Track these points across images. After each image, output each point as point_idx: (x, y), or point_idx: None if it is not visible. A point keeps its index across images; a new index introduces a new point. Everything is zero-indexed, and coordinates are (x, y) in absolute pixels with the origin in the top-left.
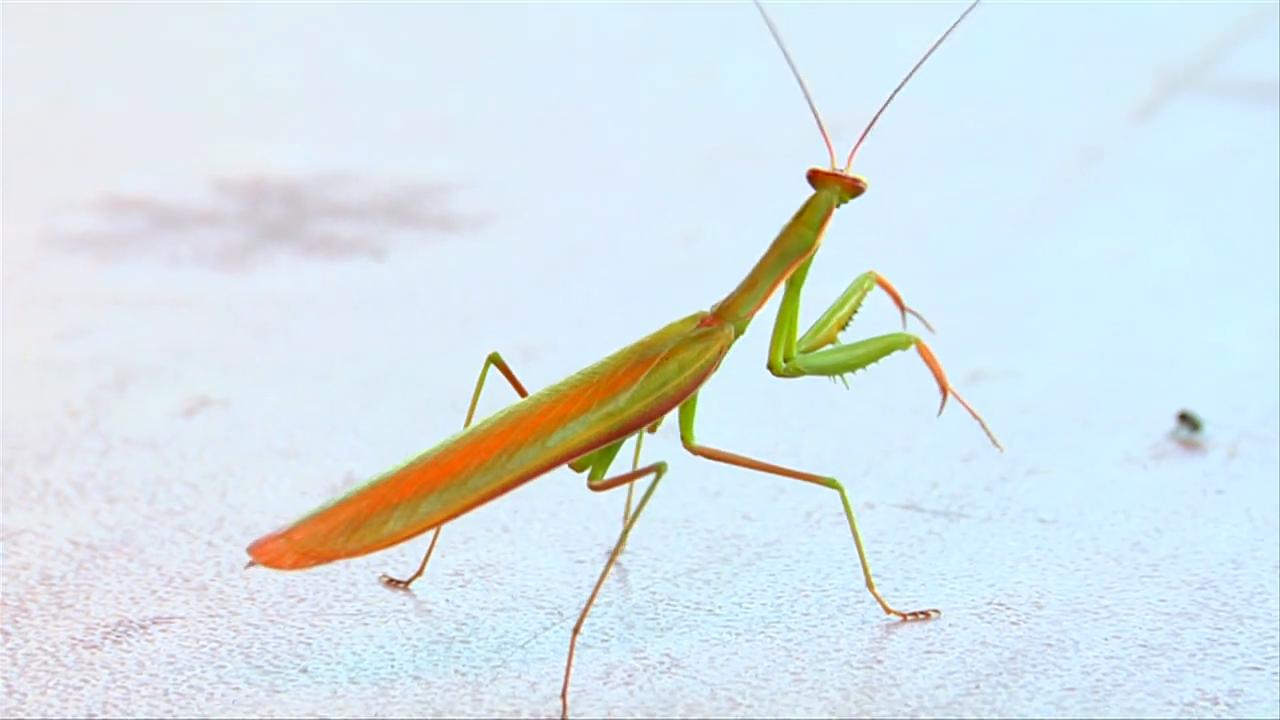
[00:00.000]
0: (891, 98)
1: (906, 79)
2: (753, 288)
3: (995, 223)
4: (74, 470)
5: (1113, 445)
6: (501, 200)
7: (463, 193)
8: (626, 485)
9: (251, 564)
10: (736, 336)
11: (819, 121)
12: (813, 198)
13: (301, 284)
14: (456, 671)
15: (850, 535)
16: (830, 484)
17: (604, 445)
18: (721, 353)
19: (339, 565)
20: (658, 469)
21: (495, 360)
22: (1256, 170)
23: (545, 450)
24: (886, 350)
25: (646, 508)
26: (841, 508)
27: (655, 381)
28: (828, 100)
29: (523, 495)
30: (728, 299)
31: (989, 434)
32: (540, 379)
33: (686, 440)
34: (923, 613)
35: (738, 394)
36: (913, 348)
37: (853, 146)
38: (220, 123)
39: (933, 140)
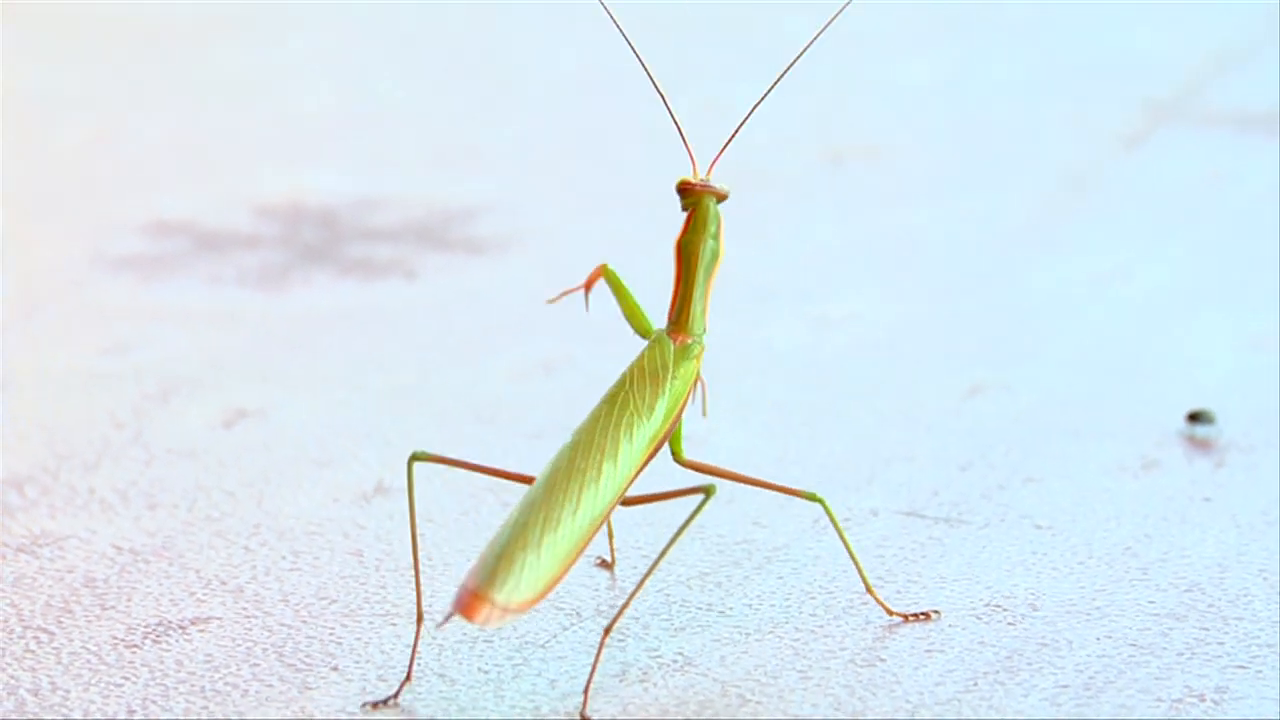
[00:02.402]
0: (754, 109)
1: (770, 88)
2: (698, 301)
3: (990, 243)
4: (118, 478)
5: (1104, 454)
6: (525, 224)
7: (489, 217)
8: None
9: (452, 618)
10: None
11: (682, 135)
12: (705, 209)
13: (336, 303)
14: (480, 669)
15: (841, 546)
16: (812, 498)
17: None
18: (700, 363)
19: (369, 568)
20: (707, 490)
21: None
22: (1239, 194)
23: (619, 473)
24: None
25: (691, 524)
26: (830, 521)
27: (672, 398)
28: (829, 129)
29: None
30: (681, 318)
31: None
32: (560, 392)
33: (677, 455)
34: (923, 614)
35: (747, 406)
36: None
37: (713, 158)
38: (260, 150)
39: (931, 165)
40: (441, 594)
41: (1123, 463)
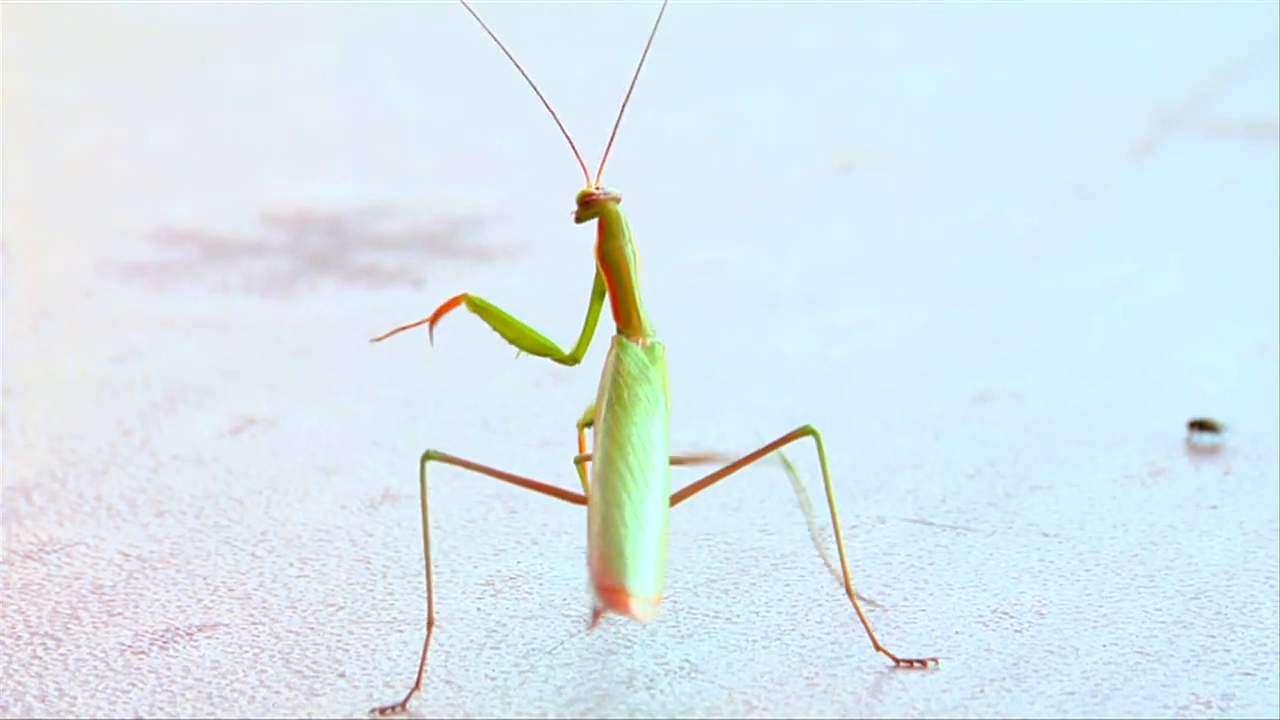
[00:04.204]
0: (619, 118)
1: (628, 95)
2: (641, 303)
3: (998, 252)
4: (125, 485)
5: (1112, 462)
6: (532, 232)
7: (496, 225)
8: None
9: (600, 615)
10: None
11: (573, 146)
12: (617, 216)
13: (344, 310)
14: (486, 676)
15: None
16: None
17: None
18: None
19: (376, 575)
20: (810, 432)
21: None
22: (1246, 203)
23: (665, 464)
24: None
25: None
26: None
27: (666, 394)
28: (838, 138)
29: (551, 509)
30: (632, 320)
31: None
32: (569, 400)
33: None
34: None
35: (756, 413)
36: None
37: (600, 164)
38: (268, 158)
39: (939, 174)
40: (448, 600)
41: (1130, 470)
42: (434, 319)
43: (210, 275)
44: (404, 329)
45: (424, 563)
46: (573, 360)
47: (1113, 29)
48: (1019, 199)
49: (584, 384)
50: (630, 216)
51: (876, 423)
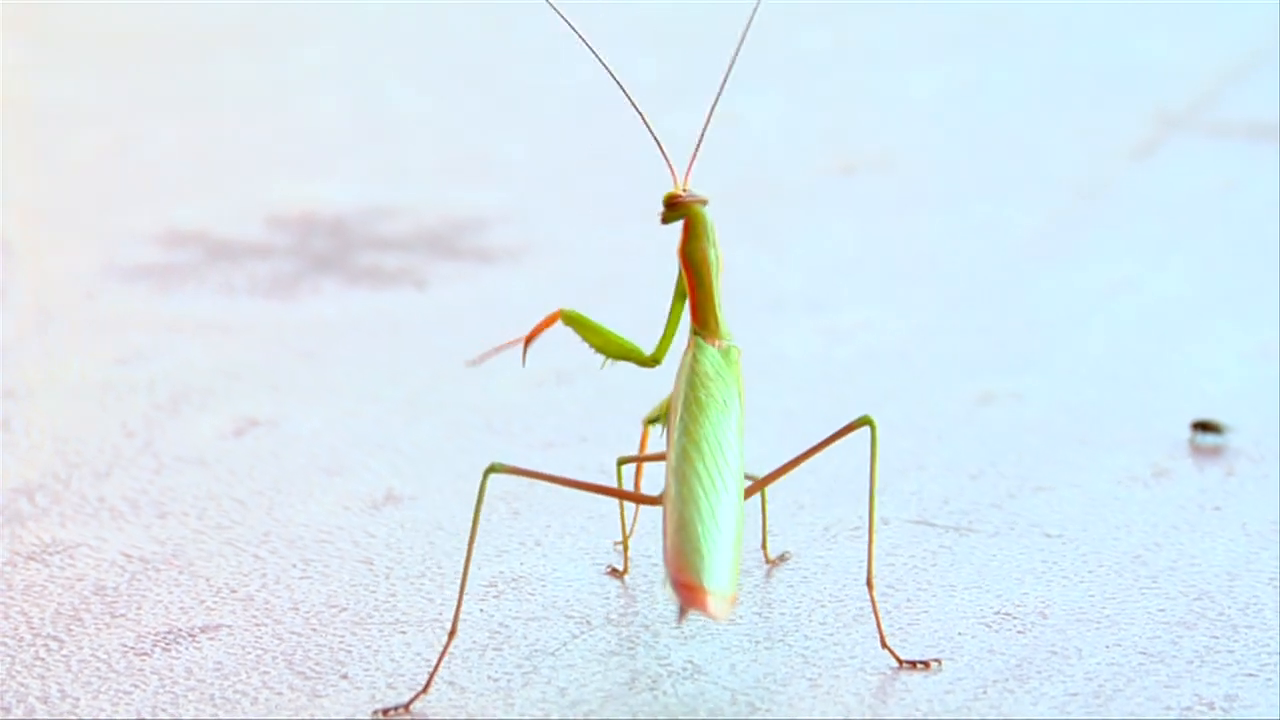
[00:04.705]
0: (708, 121)
1: (717, 98)
2: (720, 306)
3: (1001, 253)
4: (128, 487)
5: (1114, 463)
6: (536, 234)
7: (500, 227)
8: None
9: (687, 613)
10: None
11: (663, 151)
12: (702, 218)
13: (347, 312)
14: (489, 678)
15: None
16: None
17: None
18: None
19: (379, 577)
20: (867, 422)
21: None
22: (1248, 204)
23: (740, 464)
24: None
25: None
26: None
27: (740, 395)
28: (841, 140)
29: (554, 511)
30: (710, 323)
31: None
32: (572, 401)
33: None
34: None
35: (760, 414)
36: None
37: (687, 168)
38: (271, 160)
39: (941, 175)
40: (451, 601)
41: (1133, 471)
42: (530, 338)
43: (214, 277)
44: (502, 349)
45: (461, 574)
46: (654, 362)
47: (1115, 30)
48: (1021, 200)
49: (586, 385)
50: (626, 217)
51: (880, 424)
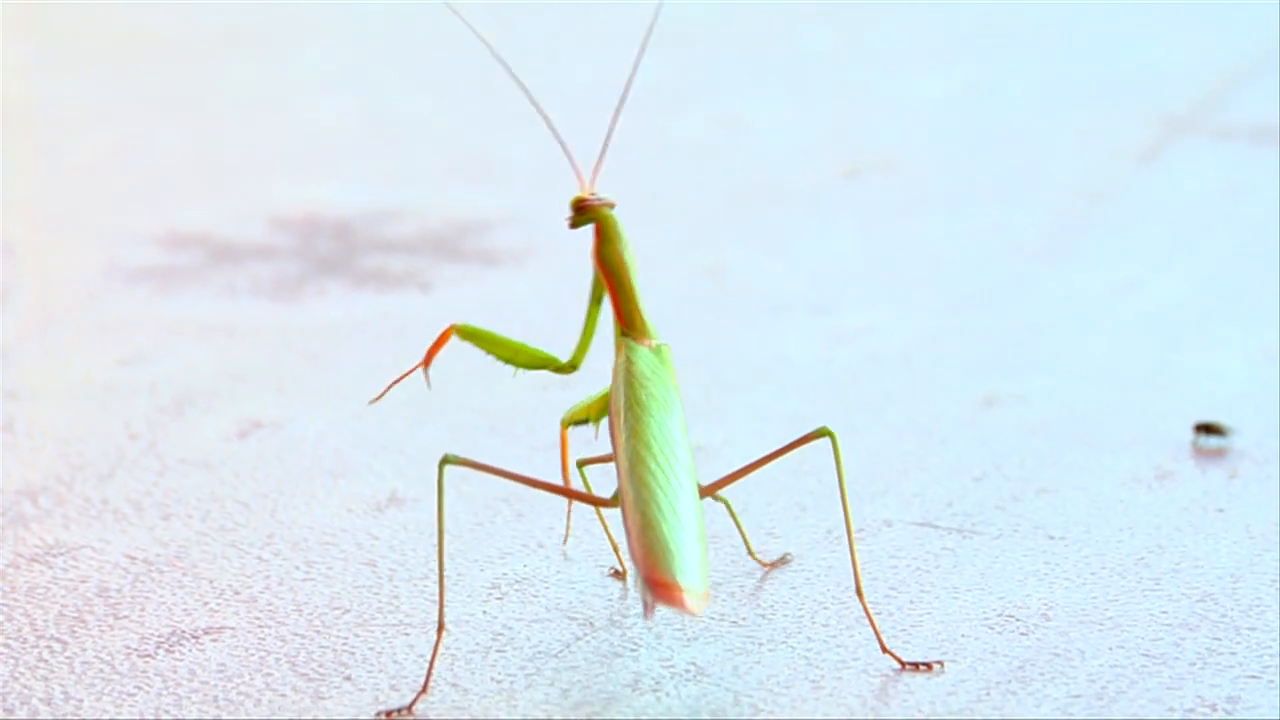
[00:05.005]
0: (614, 124)
1: (622, 100)
2: (642, 305)
3: (1005, 256)
4: (132, 489)
5: (1118, 465)
6: (540, 236)
7: (504, 229)
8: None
9: (654, 608)
10: None
11: (566, 151)
12: (613, 221)
13: (351, 314)
14: (492, 679)
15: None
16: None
17: None
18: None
19: (382, 578)
20: (826, 433)
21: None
22: (1253, 207)
23: (690, 462)
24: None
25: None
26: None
27: (678, 394)
28: (845, 142)
29: (557, 514)
30: (636, 323)
31: None
32: (573, 402)
33: None
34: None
35: (762, 418)
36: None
37: (594, 169)
38: (275, 163)
39: (946, 178)
40: (454, 603)
41: (1136, 474)
42: (427, 361)
43: (217, 279)
44: (398, 381)
45: (436, 568)
46: (571, 367)
47: (1119, 33)
48: (1026, 203)
49: (590, 388)
50: (626, 221)
51: (883, 426)
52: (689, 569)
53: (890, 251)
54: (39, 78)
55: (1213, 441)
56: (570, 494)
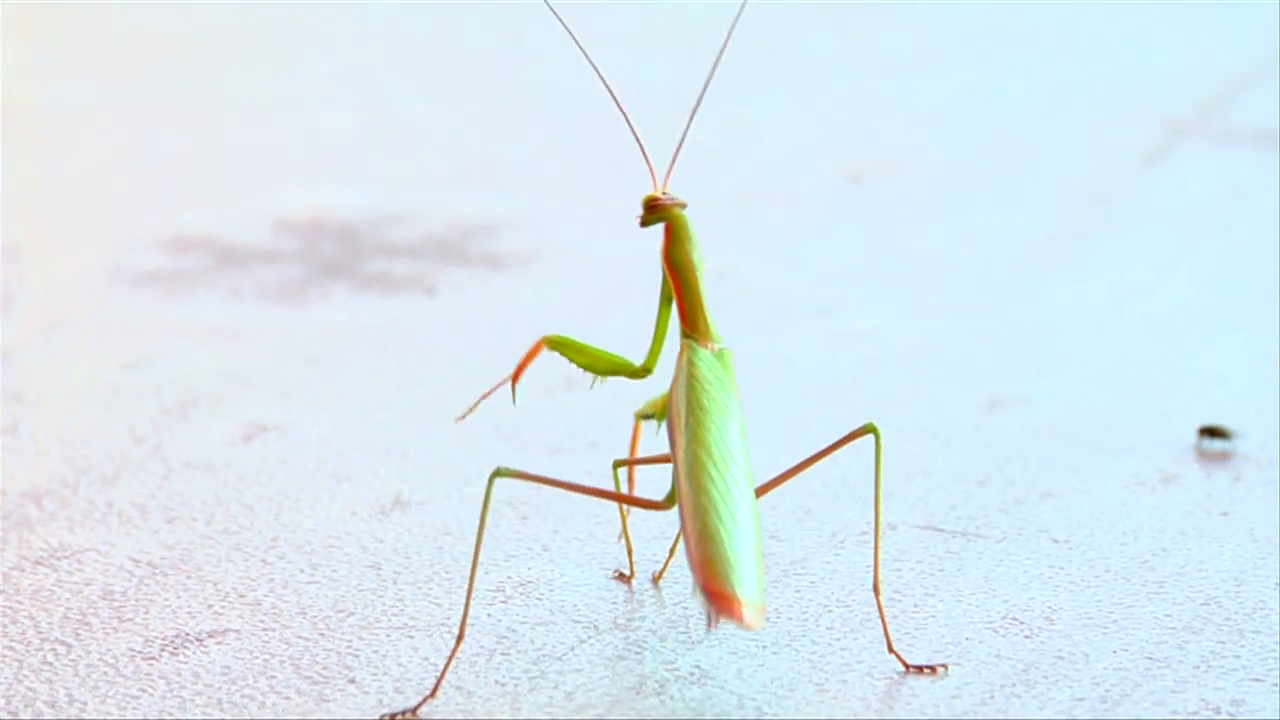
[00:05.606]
0: (688, 125)
1: (699, 101)
2: (708, 307)
3: (1010, 259)
4: (136, 492)
5: (1122, 469)
6: (545, 240)
7: (509, 233)
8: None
9: (716, 619)
10: None
11: (643, 149)
12: (683, 221)
13: (356, 318)
14: (496, 682)
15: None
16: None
17: None
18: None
19: (387, 581)
20: (870, 430)
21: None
22: (1257, 210)
23: (749, 468)
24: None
25: None
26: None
27: (738, 398)
28: (850, 145)
29: (562, 517)
30: (700, 325)
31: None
32: (580, 407)
33: None
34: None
35: (767, 421)
36: None
37: (667, 171)
38: (280, 167)
39: (950, 181)
40: (459, 606)
41: (1140, 477)
42: (516, 375)
43: (222, 282)
44: (487, 396)
45: (468, 577)
46: (645, 372)
47: (1124, 36)
48: (1030, 206)
49: (595, 391)
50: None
51: (887, 429)
52: (747, 581)
53: (894, 254)
54: (44, 81)
55: (1217, 445)
56: (623, 499)
